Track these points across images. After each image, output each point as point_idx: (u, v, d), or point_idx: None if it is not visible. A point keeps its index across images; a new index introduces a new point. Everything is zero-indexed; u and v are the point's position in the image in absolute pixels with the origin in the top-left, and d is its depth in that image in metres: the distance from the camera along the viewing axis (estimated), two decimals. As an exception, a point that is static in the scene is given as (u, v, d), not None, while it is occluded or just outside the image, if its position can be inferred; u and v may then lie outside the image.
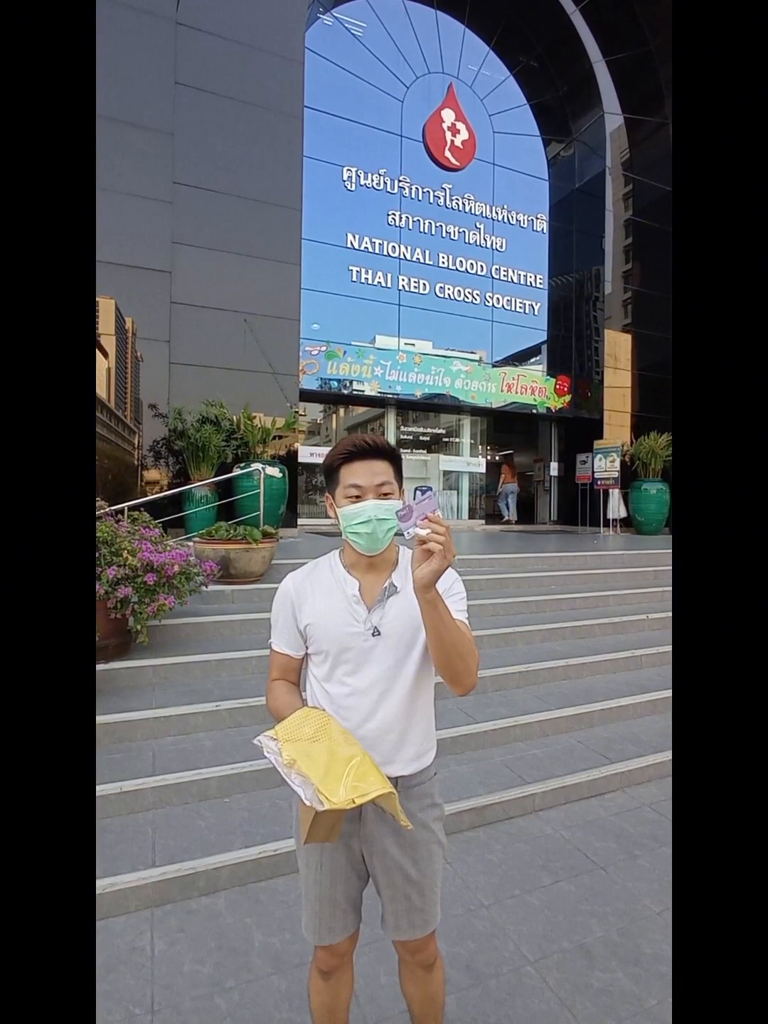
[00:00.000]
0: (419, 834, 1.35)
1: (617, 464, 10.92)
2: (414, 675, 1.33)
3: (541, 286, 13.07)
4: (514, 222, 12.77)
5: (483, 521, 13.47)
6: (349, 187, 11.11)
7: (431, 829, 1.39)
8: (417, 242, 11.73)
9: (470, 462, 13.38)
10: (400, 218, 11.59)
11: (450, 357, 11.89)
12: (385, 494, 1.27)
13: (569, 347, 13.26)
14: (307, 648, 1.39)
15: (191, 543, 4.88)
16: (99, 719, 3.01)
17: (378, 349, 11.22)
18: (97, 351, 7.27)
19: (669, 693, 4.01)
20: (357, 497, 1.27)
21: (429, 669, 1.35)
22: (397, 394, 11.31)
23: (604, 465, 11.19)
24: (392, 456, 1.31)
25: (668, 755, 3.35)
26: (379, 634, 1.30)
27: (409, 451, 12.83)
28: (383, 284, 11.39)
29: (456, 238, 12.14)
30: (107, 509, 4.27)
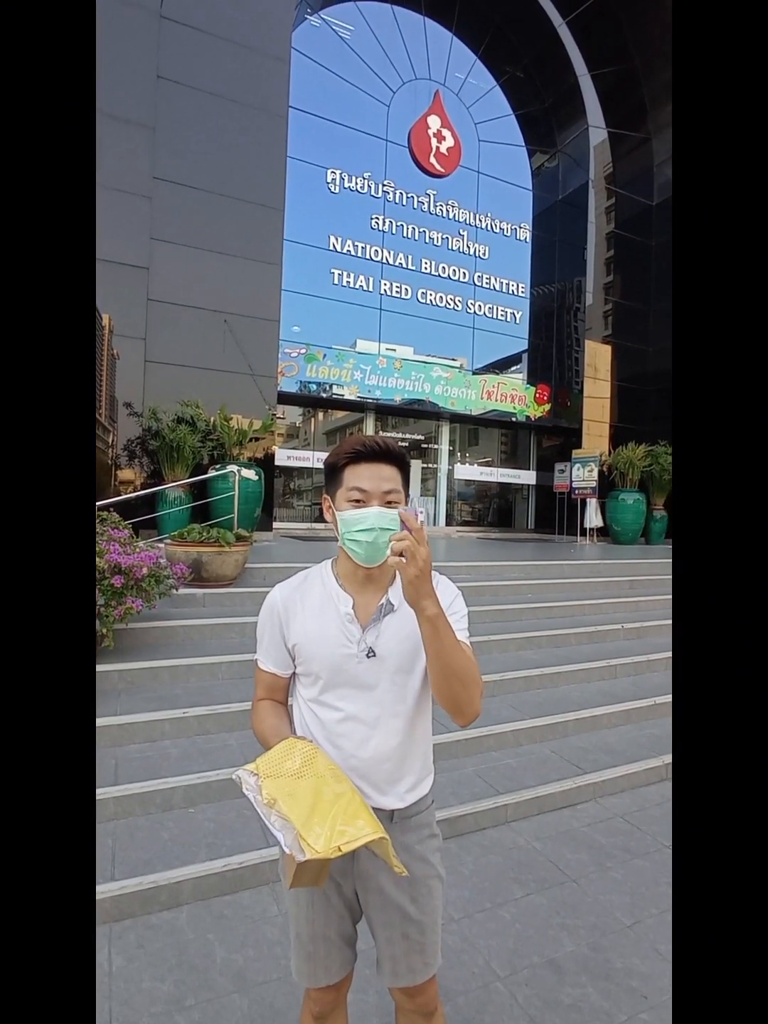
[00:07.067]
0: (417, 868, 1.25)
1: (595, 474, 11.02)
2: (413, 699, 1.23)
3: (523, 295, 13.18)
4: (497, 230, 12.87)
5: (459, 527, 13.48)
6: (333, 189, 11.09)
7: (430, 862, 1.29)
8: (400, 247, 11.75)
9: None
10: (383, 222, 11.60)
11: (431, 363, 11.90)
12: (391, 503, 1.16)
13: (549, 356, 13.39)
14: (295, 667, 1.28)
15: (162, 545, 4.77)
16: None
17: (358, 353, 11.18)
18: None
19: (643, 703, 4.03)
20: (360, 502, 1.16)
21: (429, 692, 1.25)
22: (376, 399, 11.28)
23: (582, 474, 11.29)
24: (401, 462, 1.20)
25: (641, 766, 3.35)
26: (374, 655, 1.20)
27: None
28: (365, 288, 11.38)
29: (439, 244, 12.19)
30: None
